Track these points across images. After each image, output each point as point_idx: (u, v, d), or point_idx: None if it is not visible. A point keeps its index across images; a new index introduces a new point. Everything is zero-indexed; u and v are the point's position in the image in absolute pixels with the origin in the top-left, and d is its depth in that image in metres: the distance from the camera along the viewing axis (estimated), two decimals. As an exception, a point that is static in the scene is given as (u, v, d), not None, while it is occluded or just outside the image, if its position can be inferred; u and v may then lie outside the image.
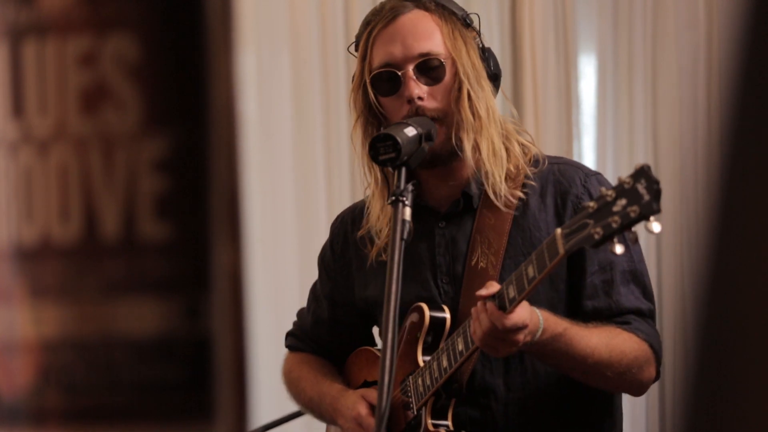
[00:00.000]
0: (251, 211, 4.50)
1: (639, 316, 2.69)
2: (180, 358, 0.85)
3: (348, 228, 2.94)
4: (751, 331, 0.75)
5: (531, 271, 2.43)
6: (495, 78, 2.76)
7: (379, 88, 2.72)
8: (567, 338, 2.56)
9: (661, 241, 4.43)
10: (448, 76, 2.70)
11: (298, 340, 3.05)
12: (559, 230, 2.39)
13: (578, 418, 2.75)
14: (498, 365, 2.72)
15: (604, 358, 2.59)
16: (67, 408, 0.86)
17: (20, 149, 0.87)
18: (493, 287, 2.49)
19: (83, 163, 0.85)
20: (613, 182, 2.37)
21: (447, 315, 2.73)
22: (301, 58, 4.69)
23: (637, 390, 2.74)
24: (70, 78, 0.86)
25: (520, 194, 2.73)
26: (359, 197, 3.08)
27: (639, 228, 2.31)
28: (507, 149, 2.73)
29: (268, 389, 4.03)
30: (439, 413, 2.72)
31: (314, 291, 3.04)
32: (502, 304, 2.46)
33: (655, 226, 2.27)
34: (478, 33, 2.76)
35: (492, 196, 2.71)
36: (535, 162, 2.76)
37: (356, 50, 2.79)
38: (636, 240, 2.35)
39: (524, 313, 2.48)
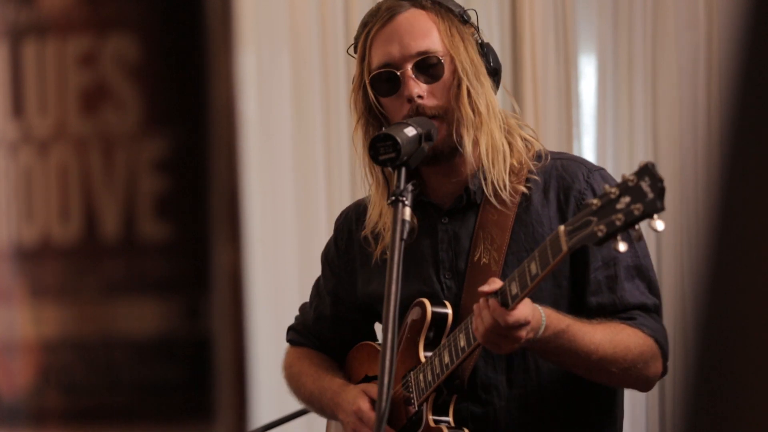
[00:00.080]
0: (251, 211, 4.51)
1: (644, 312, 2.69)
2: (180, 358, 0.85)
3: (352, 225, 2.94)
4: (751, 331, 0.75)
5: (534, 267, 2.43)
6: (495, 73, 2.76)
7: (378, 88, 2.73)
8: (570, 335, 2.55)
9: (661, 241, 4.43)
10: (446, 73, 2.70)
11: (299, 334, 3.05)
12: (562, 227, 2.39)
13: (580, 414, 2.75)
14: (500, 361, 2.72)
15: (608, 354, 2.59)
16: (67, 408, 0.86)
17: (20, 149, 0.87)
18: (495, 284, 2.50)
19: (83, 163, 0.85)
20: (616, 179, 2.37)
21: (449, 311, 2.73)
22: (301, 58, 4.69)
23: (644, 385, 2.74)
24: (70, 78, 0.86)
25: (523, 189, 2.73)
26: (359, 197, 3.08)
27: (642, 226, 2.30)
28: (510, 144, 2.73)
29: (268, 389, 4.03)
30: (440, 409, 2.72)
31: (317, 286, 3.04)
32: (505, 300, 2.46)
33: (659, 224, 2.27)
34: (477, 29, 2.76)
35: (491, 192, 2.71)
36: (537, 157, 2.76)
37: (355, 52, 2.80)
38: (640, 237, 2.35)
39: (526, 309, 2.47)
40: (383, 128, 2.68)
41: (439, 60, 2.70)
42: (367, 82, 2.74)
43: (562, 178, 2.74)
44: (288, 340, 3.09)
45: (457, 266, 2.76)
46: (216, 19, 0.86)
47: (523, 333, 2.48)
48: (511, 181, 2.72)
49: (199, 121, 0.86)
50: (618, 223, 2.29)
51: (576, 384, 2.71)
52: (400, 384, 2.78)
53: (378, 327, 2.96)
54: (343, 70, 4.65)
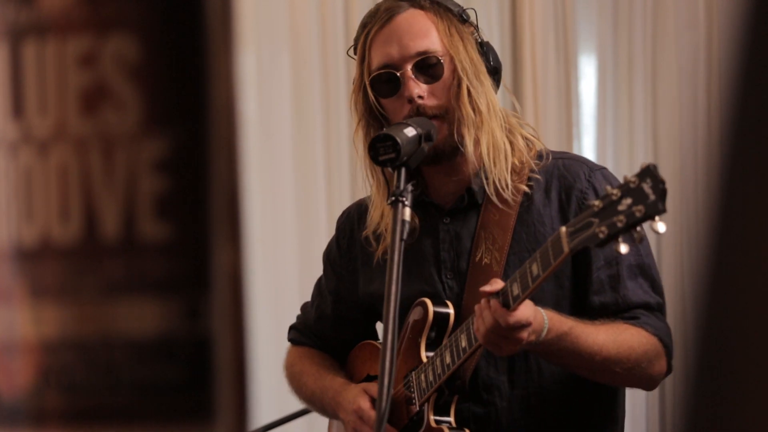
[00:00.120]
0: (251, 211, 4.50)
1: (647, 310, 2.68)
2: (180, 358, 0.85)
3: (354, 224, 2.94)
4: (751, 331, 0.75)
5: (535, 269, 2.42)
6: (495, 72, 2.75)
7: (379, 89, 2.73)
8: (573, 336, 2.55)
9: (661, 241, 4.43)
10: (446, 72, 2.70)
11: (300, 334, 3.05)
12: (563, 228, 2.38)
13: (582, 415, 2.75)
14: (502, 362, 2.72)
15: (612, 355, 2.58)
16: (67, 408, 0.86)
17: (20, 149, 0.87)
18: (497, 284, 2.49)
19: (83, 163, 0.85)
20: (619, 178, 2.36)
21: (451, 311, 2.73)
22: (301, 58, 4.69)
23: (648, 384, 2.74)
24: (70, 78, 0.86)
25: (525, 188, 2.72)
26: (359, 197, 3.08)
27: (644, 227, 2.31)
28: (511, 143, 2.73)
29: (268, 389, 4.03)
30: (441, 409, 2.72)
31: (319, 286, 3.04)
32: (506, 301, 2.46)
33: (661, 226, 2.27)
34: (476, 28, 2.76)
35: (493, 192, 2.71)
36: (539, 156, 2.75)
37: (355, 53, 2.80)
38: (642, 239, 2.35)
39: (528, 311, 2.47)
40: (384, 129, 2.68)
41: (439, 60, 2.70)
42: (367, 83, 2.74)
43: (563, 177, 2.74)
44: (289, 340, 3.09)
45: (458, 266, 2.76)
46: (216, 19, 0.86)
47: (524, 334, 2.47)
48: (512, 181, 2.72)
49: (199, 121, 0.86)
50: (619, 224, 2.29)
51: (578, 384, 2.71)
52: (402, 384, 2.78)
53: (379, 326, 2.96)
54: (343, 70, 4.65)
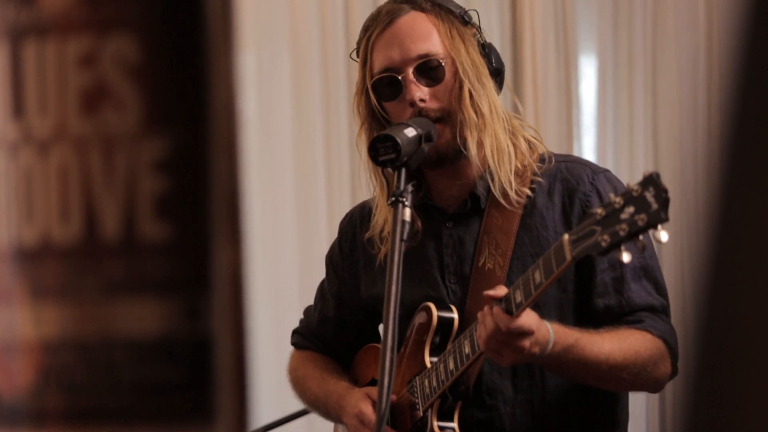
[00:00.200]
0: (251, 211, 4.50)
1: (651, 313, 2.68)
2: (180, 358, 0.85)
3: (357, 227, 2.93)
4: (752, 332, 0.75)
5: (538, 276, 2.42)
6: (497, 73, 2.75)
7: (380, 93, 2.72)
8: (579, 348, 2.54)
9: (662, 241, 4.43)
10: (448, 75, 2.69)
11: (303, 338, 3.05)
12: (566, 236, 2.38)
13: (585, 419, 2.74)
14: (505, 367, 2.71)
15: (618, 362, 2.58)
16: (67, 408, 0.86)
17: (20, 149, 0.87)
18: (501, 290, 2.49)
19: (83, 163, 0.85)
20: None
21: (455, 315, 2.72)
22: (301, 58, 4.69)
23: (653, 387, 2.73)
24: (71, 78, 0.86)
25: (528, 192, 2.72)
26: (359, 197, 3.08)
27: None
28: (514, 145, 2.73)
29: (269, 389, 4.03)
30: (445, 415, 2.71)
31: (321, 289, 3.03)
32: (509, 308, 2.45)
33: (663, 235, 2.28)
34: (478, 29, 2.76)
35: (499, 196, 2.70)
36: (541, 159, 2.75)
37: (357, 56, 2.79)
38: (644, 248, 2.35)
39: (531, 320, 2.46)
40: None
41: (440, 63, 2.69)
42: (369, 86, 2.73)
43: (566, 180, 2.73)
44: (292, 344, 3.08)
45: (462, 271, 2.75)
46: (216, 19, 0.86)
47: (526, 343, 2.46)
48: (515, 183, 2.71)
49: (199, 121, 0.86)
50: (622, 233, 2.29)
51: (581, 389, 2.70)
52: (406, 388, 2.78)
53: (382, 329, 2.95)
54: (343, 71, 4.65)
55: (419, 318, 2.75)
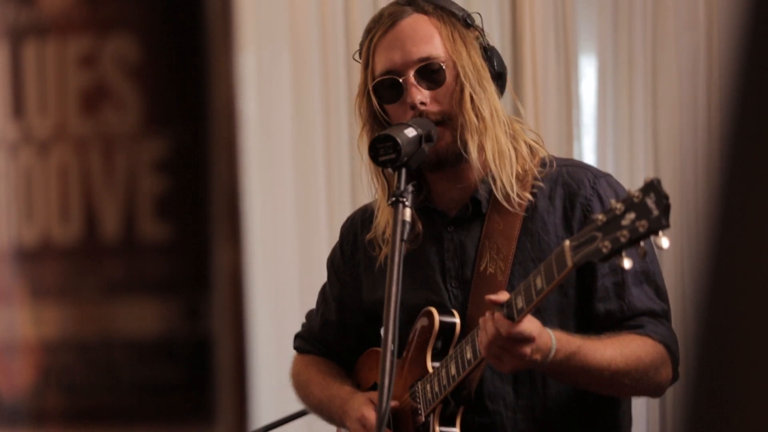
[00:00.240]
0: (251, 211, 4.50)
1: (652, 317, 2.67)
2: (180, 358, 0.85)
3: (358, 230, 2.93)
4: (752, 332, 0.75)
5: (539, 282, 2.42)
6: (499, 77, 2.74)
7: (382, 95, 2.72)
8: (581, 355, 2.54)
9: (661, 241, 4.42)
10: (449, 78, 2.68)
11: (305, 342, 3.04)
12: (567, 242, 2.38)
13: (586, 424, 2.74)
14: None
15: (621, 368, 2.57)
16: (67, 408, 0.86)
17: (20, 150, 0.87)
18: (503, 296, 2.49)
19: (83, 163, 0.85)
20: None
21: (457, 320, 2.72)
22: (301, 59, 4.69)
23: (654, 392, 2.73)
24: (71, 78, 0.85)
25: (529, 196, 2.71)
26: (359, 197, 3.07)
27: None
28: (515, 149, 2.72)
29: (269, 389, 4.03)
30: (447, 420, 2.71)
31: (323, 293, 3.03)
32: (510, 313, 2.45)
33: (664, 242, 2.28)
34: (481, 32, 2.75)
35: (501, 198, 2.70)
36: (542, 164, 2.74)
37: (359, 58, 2.79)
38: (645, 254, 2.35)
39: (532, 326, 2.46)
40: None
41: (441, 66, 2.68)
42: (370, 89, 2.73)
43: (567, 185, 2.72)
44: (295, 348, 3.07)
45: (463, 275, 2.75)
46: (216, 19, 0.86)
47: (527, 350, 2.45)
48: (516, 187, 2.71)
49: (199, 121, 0.86)
50: (623, 239, 2.29)
51: (583, 394, 2.70)
52: (408, 393, 2.77)
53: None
54: (344, 71, 4.65)
55: (421, 322, 2.74)
